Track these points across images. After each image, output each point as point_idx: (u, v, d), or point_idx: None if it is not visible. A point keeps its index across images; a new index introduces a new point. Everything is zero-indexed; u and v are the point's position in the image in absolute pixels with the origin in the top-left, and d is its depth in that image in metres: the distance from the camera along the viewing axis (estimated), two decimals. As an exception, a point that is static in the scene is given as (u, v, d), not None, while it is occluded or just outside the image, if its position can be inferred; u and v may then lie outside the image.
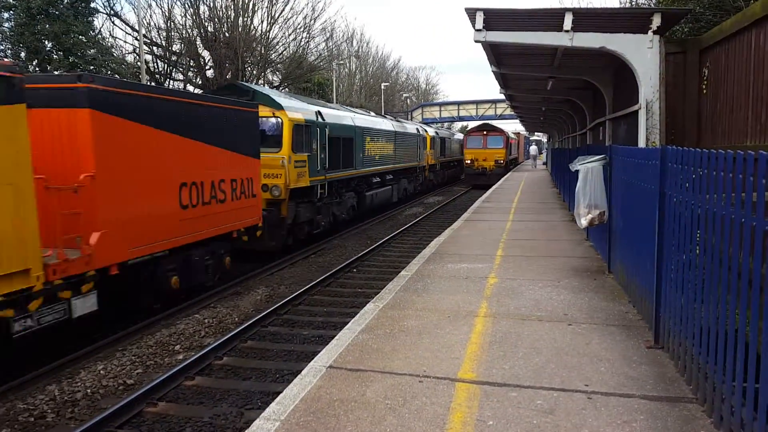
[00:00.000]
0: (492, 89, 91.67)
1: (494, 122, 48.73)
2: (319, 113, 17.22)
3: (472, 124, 58.03)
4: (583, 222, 8.97)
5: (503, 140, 40.24)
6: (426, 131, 34.50)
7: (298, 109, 16.08)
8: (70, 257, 7.66)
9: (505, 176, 37.52)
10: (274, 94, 16.42)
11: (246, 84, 19.45)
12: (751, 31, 7.27)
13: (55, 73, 19.59)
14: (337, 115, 19.28)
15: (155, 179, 9.40)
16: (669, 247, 5.31)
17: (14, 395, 7.17)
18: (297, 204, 15.53)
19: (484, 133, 40.01)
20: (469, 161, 39.91)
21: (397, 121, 30.52)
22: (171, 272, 10.16)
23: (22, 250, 6.93)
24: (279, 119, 14.86)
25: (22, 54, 20.82)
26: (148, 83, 28.93)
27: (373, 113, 28.21)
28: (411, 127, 30.76)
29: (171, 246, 9.86)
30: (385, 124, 25.50)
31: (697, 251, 4.47)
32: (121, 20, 31.78)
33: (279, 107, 15.02)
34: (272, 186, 14.47)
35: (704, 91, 9.15)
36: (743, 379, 3.60)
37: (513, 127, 66.27)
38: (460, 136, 49.68)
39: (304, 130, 15.70)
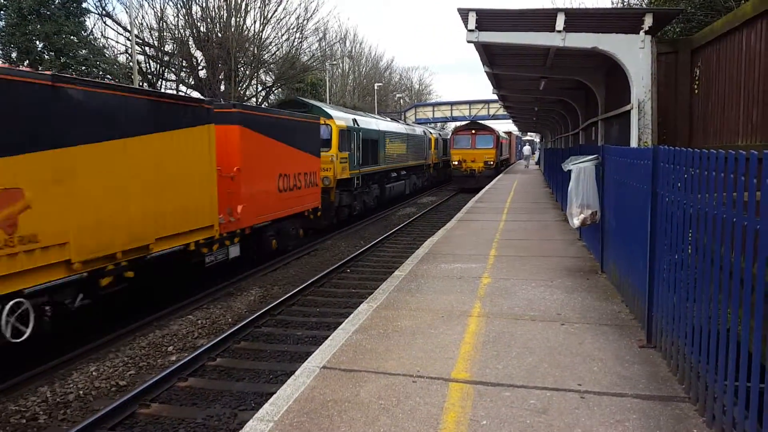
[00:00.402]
0: (485, 89, 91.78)
1: (487, 122, 46.66)
2: (355, 120, 21.86)
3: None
4: (576, 222, 8.99)
5: (493, 140, 37.26)
6: (431, 133, 39.92)
7: (341, 117, 20.68)
8: (230, 220, 12.12)
9: (496, 178, 34.80)
10: (325, 106, 21.10)
11: (303, 99, 24.45)
12: (742, 31, 7.30)
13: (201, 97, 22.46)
14: (367, 121, 24.28)
15: (268, 171, 13.82)
16: (661, 246, 5.33)
17: (6, 397, 7.13)
18: (341, 192, 20.03)
19: (473, 132, 37.08)
20: (456, 162, 36.88)
21: (408, 125, 38.02)
22: (271, 236, 14.45)
23: (211, 214, 11.26)
24: (329, 126, 19.24)
25: (14, 54, 20.70)
26: (140, 84, 28.82)
27: (389, 118, 37.60)
28: (419, 130, 36.94)
29: (273, 218, 14.23)
30: (400, 127, 31.03)
31: (689, 251, 4.49)
32: (113, 20, 31.70)
33: (329, 116, 19.55)
34: (324, 177, 18.31)
35: (696, 91, 9.19)
36: (735, 377, 3.62)
37: (505, 127, 65.08)
38: None
39: (346, 134, 20.32)
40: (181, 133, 10.31)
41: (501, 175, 38.49)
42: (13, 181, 7.06)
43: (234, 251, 12.38)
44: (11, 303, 7.03)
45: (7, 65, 11.49)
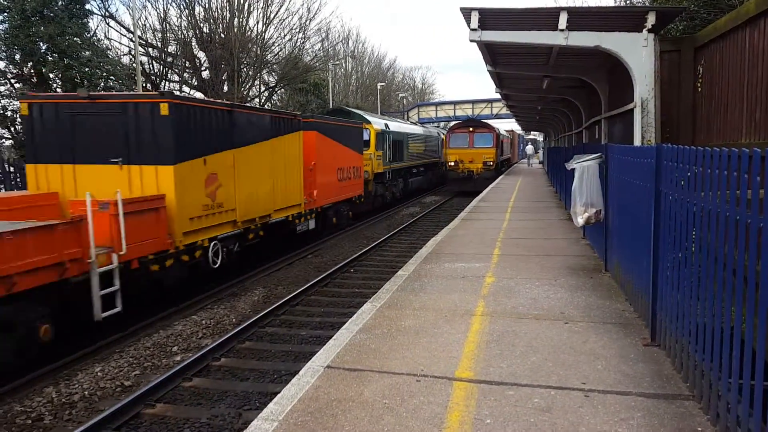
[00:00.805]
0: (488, 89, 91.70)
1: (490, 121, 44.67)
2: (386, 125, 27.13)
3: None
4: (580, 220, 8.98)
5: (493, 138, 33.73)
6: (443, 134, 41.19)
7: (377, 122, 25.84)
8: (309, 201, 16.42)
9: (496, 180, 31.61)
10: (364, 114, 26.76)
11: (347, 107, 33.22)
12: (746, 29, 7.29)
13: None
14: (395, 125, 29.88)
15: (331, 165, 18.19)
16: (665, 244, 5.32)
17: (12, 398, 7.16)
18: (376, 183, 24.83)
19: (470, 129, 33.79)
20: (452, 163, 33.32)
21: (424, 127, 41.53)
22: (332, 215, 18.82)
23: (300, 195, 15.63)
24: (368, 130, 23.94)
25: (17, 56, 20.76)
26: (144, 85, 28.89)
27: (410, 121, 43.59)
28: (434, 131, 40.90)
29: (334, 201, 18.62)
30: (420, 129, 37.00)
31: (693, 249, 4.49)
32: (116, 22, 31.79)
33: (368, 122, 24.49)
34: (365, 171, 22.45)
35: (699, 89, 9.18)
36: (739, 375, 3.62)
37: (508, 126, 63.69)
38: None
39: (380, 136, 25.31)
40: (284, 137, 14.72)
41: (501, 177, 34.92)
42: (214, 169, 11.47)
43: (312, 224, 16.87)
44: (212, 243, 11.56)
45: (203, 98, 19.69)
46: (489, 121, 46.30)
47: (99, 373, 7.88)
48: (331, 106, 43.48)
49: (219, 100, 17.26)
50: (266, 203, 13.64)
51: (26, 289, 7.69)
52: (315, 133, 16.66)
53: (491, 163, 33.10)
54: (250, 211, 12.91)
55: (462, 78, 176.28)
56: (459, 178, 33.33)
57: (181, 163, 10.45)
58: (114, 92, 21.34)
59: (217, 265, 11.66)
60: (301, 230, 16.18)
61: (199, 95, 36.60)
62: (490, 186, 27.50)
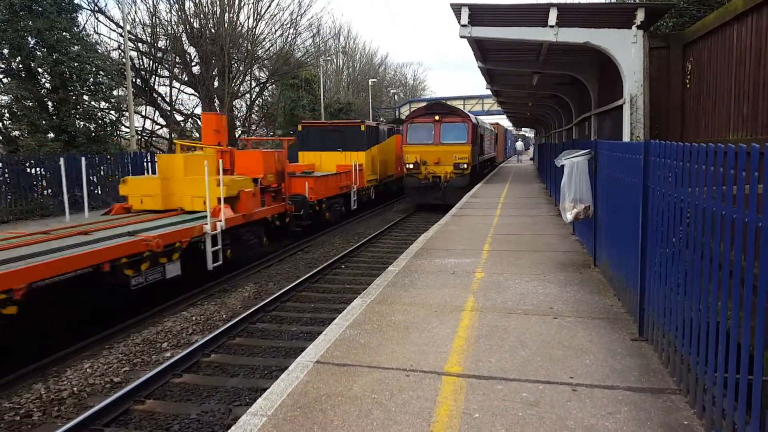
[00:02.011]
0: (479, 85, 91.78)
1: (481, 117, 39.84)
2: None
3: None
4: (569, 216, 9.02)
5: (467, 130, 24.38)
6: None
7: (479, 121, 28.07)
8: (395, 173, 29.70)
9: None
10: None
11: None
12: (733, 25, 7.34)
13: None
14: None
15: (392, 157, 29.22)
16: (653, 240, 5.36)
17: (0, 394, 7.13)
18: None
19: (436, 118, 24.44)
20: (410, 165, 24.60)
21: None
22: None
23: (396, 170, 29.27)
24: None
25: (5, 51, 20.58)
26: (133, 80, 28.73)
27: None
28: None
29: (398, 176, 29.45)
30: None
31: (680, 244, 4.52)
32: (106, 16, 31.66)
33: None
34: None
35: (688, 86, 9.23)
36: (724, 369, 3.65)
37: (500, 122, 62.59)
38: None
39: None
40: (391, 138, 28.10)
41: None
42: (373, 153, 25.24)
43: (375, 192, 25.92)
44: (372, 186, 24.99)
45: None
46: (483, 118, 41.50)
47: (88, 370, 7.86)
48: (322, 102, 43.42)
49: (377, 122, 29.65)
50: (388, 171, 28.14)
51: (332, 195, 20.33)
52: (397, 136, 28.47)
53: (465, 165, 24.12)
54: (382, 174, 26.63)
55: (453, 74, 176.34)
56: (420, 186, 24.52)
57: (366, 150, 24.21)
58: (341, 120, 33.97)
59: (373, 197, 25.53)
60: (393, 186, 28.96)
61: (189, 91, 36.47)
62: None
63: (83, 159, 14.52)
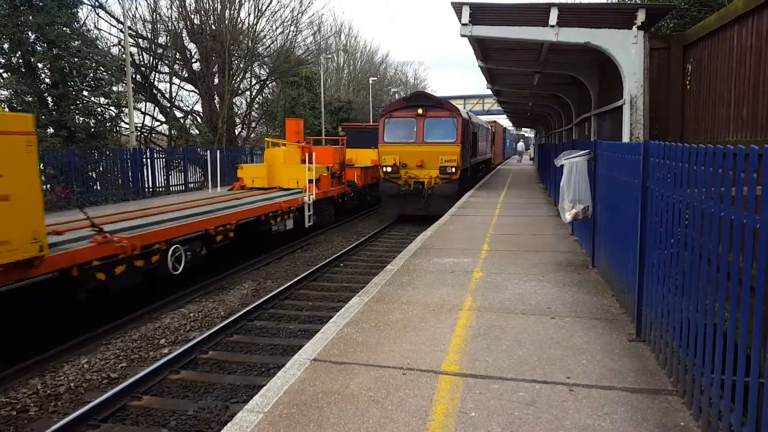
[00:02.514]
0: (480, 84, 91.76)
1: (482, 117, 38.85)
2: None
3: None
4: (568, 216, 9.02)
5: (456, 126, 20.63)
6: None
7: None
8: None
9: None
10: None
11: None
12: (734, 27, 7.33)
13: None
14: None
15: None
16: (651, 241, 5.35)
17: (-4, 389, 7.13)
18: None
19: (419, 112, 20.71)
20: (388, 168, 20.92)
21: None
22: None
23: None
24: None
25: (5, 45, 20.53)
26: (133, 76, 28.71)
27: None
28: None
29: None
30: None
31: (679, 245, 4.52)
32: (106, 12, 31.52)
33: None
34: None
35: (688, 87, 9.22)
36: (721, 371, 3.65)
37: (501, 122, 58.19)
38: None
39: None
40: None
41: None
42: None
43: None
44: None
45: None
46: (483, 118, 39.65)
47: (85, 365, 7.85)
48: (322, 101, 43.39)
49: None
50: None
51: (369, 183, 24.45)
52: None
53: (453, 169, 20.55)
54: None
55: (454, 74, 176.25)
56: (399, 193, 20.83)
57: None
58: (362, 122, 34.38)
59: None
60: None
61: (189, 88, 36.44)
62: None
63: (218, 152, 22.07)
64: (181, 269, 10.97)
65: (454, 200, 19.37)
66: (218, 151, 22.24)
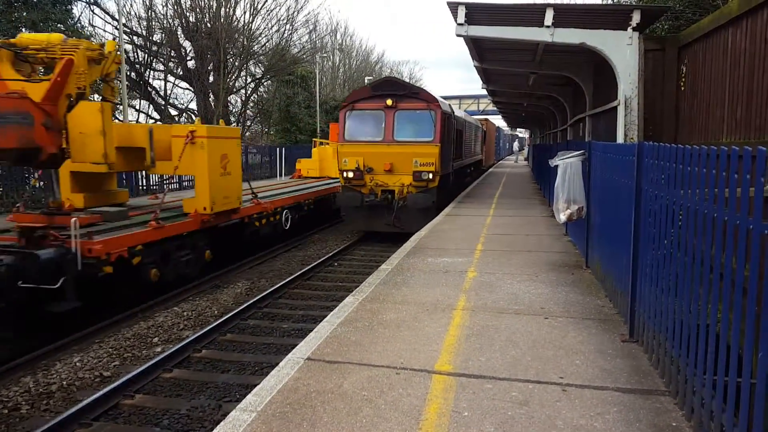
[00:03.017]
0: (476, 85, 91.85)
1: (477, 117, 37.02)
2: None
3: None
4: (562, 217, 9.03)
5: (434, 121, 16.72)
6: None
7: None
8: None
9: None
10: None
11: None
12: (728, 29, 7.36)
13: None
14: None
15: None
16: (645, 241, 5.37)
17: (-12, 387, 7.09)
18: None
19: (388, 103, 16.78)
20: (349, 173, 17.02)
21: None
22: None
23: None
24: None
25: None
26: (128, 73, 28.61)
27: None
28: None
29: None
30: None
31: (672, 246, 4.53)
32: (101, 8, 31.46)
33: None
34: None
35: (682, 88, 9.25)
36: (714, 371, 3.66)
37: (495, 122, 55.54)
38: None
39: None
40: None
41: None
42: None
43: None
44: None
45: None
46: (479, 118, 37.77)
47: (78, 364, 7.82)
48: (317, 99, 43.34)
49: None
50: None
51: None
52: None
53: (431, 175, 16.50)
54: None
55: (450, 74, 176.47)
56: (363, 205, 16.77)
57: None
58: None
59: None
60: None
61: (184, 85, 36.34)
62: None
63: (283, 149, 30.51)
64: (288, 227, 16.19)
65: (432, 214, 15.92)
66: (283, 149, 30.92)
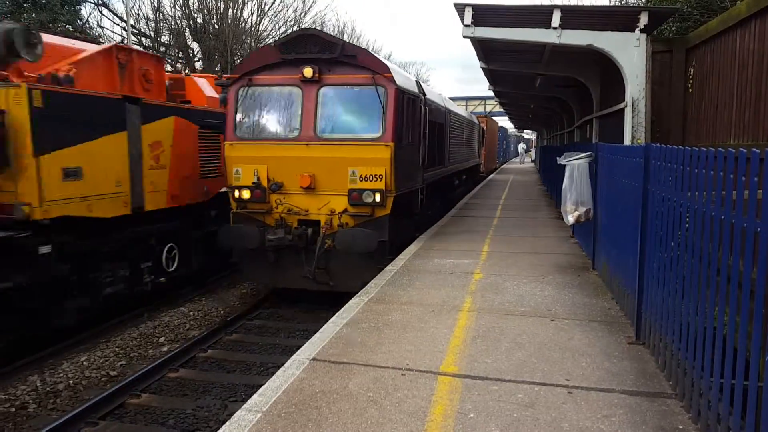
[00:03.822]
0: (482, 86, 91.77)
1: (483, 118, 32.70)
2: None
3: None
4: (570, 219, 9.01)
5: (384, 104, 9.79)
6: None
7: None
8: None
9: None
10: None
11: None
12: (736, 30, 7.33)
13: None
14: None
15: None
16: (652, 243, 5.35)
17: (-5, 386, 7.13)
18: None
19: (306, 74, 9.91)
20: (244, 194, 10.17)
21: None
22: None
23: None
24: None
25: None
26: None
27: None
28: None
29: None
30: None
31: (679, 248, 4.51)
32: (109, 10, 31.57)
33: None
34: None
35: (690, 90, 9.22)
36: (720, 374, 3.65)
37: (502, 124, 54.68)
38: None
39: None
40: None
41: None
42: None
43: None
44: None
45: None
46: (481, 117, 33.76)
47: (84, 363, 7.85)
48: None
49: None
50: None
51: None
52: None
53: (378, 196, 9.82)
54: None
55: (457, 75, 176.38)
56: (265, 245, 9.97)
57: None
58: None
59: None
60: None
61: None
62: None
63: None
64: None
65: (382, 260, 9.92)
66: None
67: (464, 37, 10.14)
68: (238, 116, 10.38)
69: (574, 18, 9.50)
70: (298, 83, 10.04)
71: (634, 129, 9.14)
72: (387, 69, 9.95)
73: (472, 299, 7.33)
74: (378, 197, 9.74)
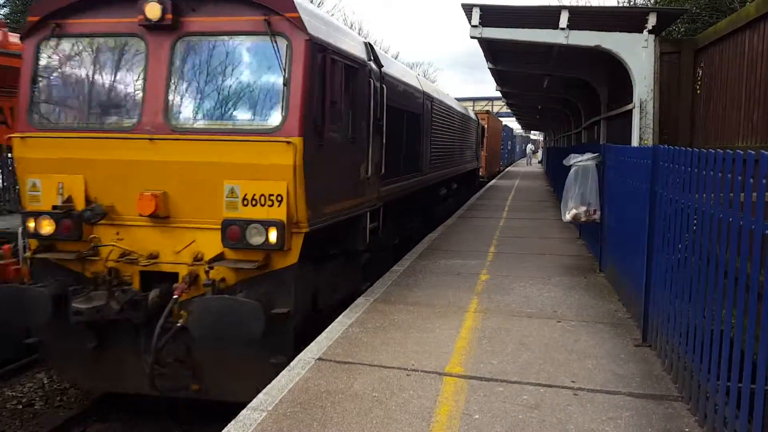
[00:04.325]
0: (489, 86, 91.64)
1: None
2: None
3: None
4: (567, 216, 9.00)
5: (285, 67, 5.60)
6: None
7: None
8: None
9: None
10: None
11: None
12: (745, 32, 7.30)
13: None
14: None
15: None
16: (659, 245, 5.33)
17: (3, 383, 7.17)
18: None
19: (149, 16, 5.64)
20: (46, 227, 5.75)
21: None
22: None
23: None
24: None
25: (18, 42, 20.68)
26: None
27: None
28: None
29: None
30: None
31: (687, 250, 4.49)
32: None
33: None
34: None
35: (698, 92, 9.19)
36: (727, 377, 3.63)
37: (510, 125, 54.36)
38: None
39: None
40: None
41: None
42: None
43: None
44: None
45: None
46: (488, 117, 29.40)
47: (91, 361, 7.87)
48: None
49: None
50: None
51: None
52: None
53: (273, 234, 5.53)
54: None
55: (464, 75, 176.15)
56: (78, 321, 5.56)
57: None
58: None
59: None
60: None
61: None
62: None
63: None
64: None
65: (284, 351, 5.78)
66: None
67: (472, 37, 10.13)
68: (36, 90, 6.25)
69: (581, 19, 9.47)
70: (139, 32, 5.93)
71: (641, 130, 9.11)
72: (292, 6, 5.72)
73: (478, 300, 7.32)
74: (274, 235, 5.59)
